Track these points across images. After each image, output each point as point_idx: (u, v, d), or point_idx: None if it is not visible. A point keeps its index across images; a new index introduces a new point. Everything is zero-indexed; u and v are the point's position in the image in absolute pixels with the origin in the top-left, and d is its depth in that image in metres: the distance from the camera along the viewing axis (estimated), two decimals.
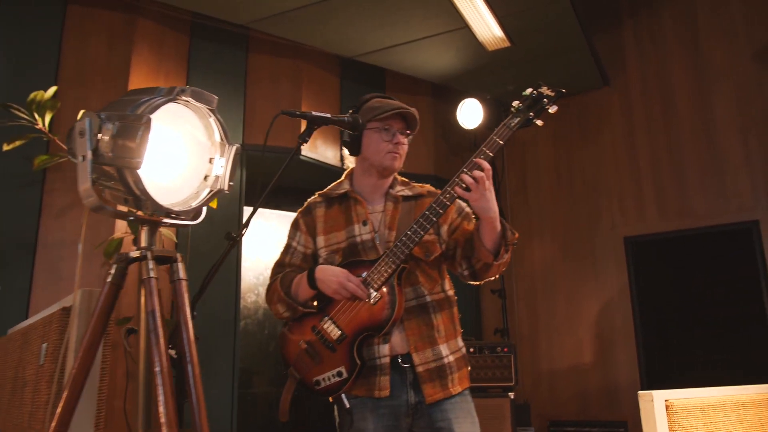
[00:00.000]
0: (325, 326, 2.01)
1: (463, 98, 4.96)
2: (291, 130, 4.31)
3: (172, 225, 1.27)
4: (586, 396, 4.72)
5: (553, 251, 5.10)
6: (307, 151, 4.30)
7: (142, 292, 1.23)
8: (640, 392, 2.11)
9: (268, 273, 4.89)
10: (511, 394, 3.25)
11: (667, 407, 2.12)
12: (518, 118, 1.96)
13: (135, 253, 1.24)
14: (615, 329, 4.72)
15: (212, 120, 1.30)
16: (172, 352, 1.78)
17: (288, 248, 2.21)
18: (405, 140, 2.14)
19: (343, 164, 4.53)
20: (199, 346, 1.85)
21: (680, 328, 4.54)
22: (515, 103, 1.99)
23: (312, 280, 2.01)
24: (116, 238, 3.13)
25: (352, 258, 2.05)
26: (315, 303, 2.08)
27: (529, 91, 1.99)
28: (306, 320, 2.07)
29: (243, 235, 1.77)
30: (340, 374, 1.98)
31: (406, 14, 4.02)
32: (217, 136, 1.32)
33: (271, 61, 4.41)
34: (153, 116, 1.15)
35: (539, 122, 1.98)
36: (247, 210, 4.35)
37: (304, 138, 1.88)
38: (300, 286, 2.05)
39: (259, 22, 4.06)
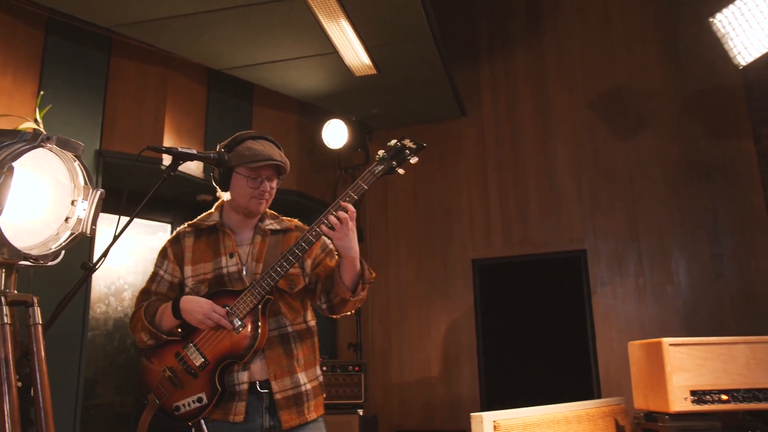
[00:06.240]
0: (189, 353, 2.06)
1: (329, 118, 5.10)
2: (152, 136, 4.23)
3: (28, 266, 1.28)
4: (432, 407, 5.02)
5: (407, 270, 5.38)
6: (169, 160, 4.22)
7: None
8: (472, 414, 2.34)
9: (120, 282, 4.78)
10: (360, 411, 3.42)
11: (494, 427, 2.38)
12: (382, 166, 2.07)
13: None
14: (460, 346, 5.07)
15: (77, 164, 1.32)
16: (19, 383, 1.75)
17: (155, 276, 2.22)
18: (273, 185, 2.20)
19: (206, 176, 4.50)
20: None
21: (517, 344, 4.99)
22: (380, 152, 2.11)
23: (177, 310, 2.05)
24: None
25: (218, 288, 2.10)
26: (180, 330, 2.12)
27: (393, 142, 2.11)
28: (169, 347, 2.11)
29: (100, 265, 1.76)
30: (200, 400, 2.04)
31: (278, 35, 4.08)
32: (81, 179, 1.35)
33: (135, 66, 4.28)
34: (15, 164, 1.16)
35: (401, 171, 2.11)
36: (102, 217, 4.18)
37: (169, 172, 1.90)
38: (164, 315, 2.09)
39: (124, 27, 3.94)
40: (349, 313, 2.25)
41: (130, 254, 4.68)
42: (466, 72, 5.54)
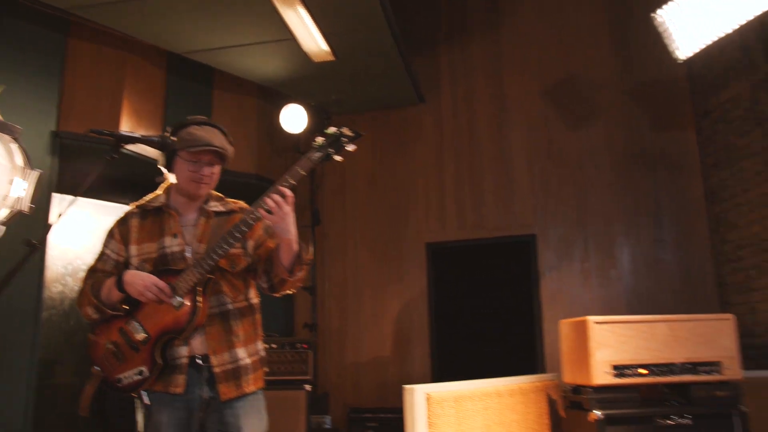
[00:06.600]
0: (131, 328, 2.17)
1: (289, 102, 5.16)
2: (110, 118, 4.27)
3: None
4: (385, 386, 5.18)
5: (364, 252, 5.51)
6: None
7: None
8: (405, 387, 2.49)
9: (77, 263, 4.82)
10: (308, 386, 3.55)
11: (427, 399, 2.53)
12: (320, 153, 2.13)
13: None
14: (413, 327, 5.25)
15: (15, 146, 1.41)
16: None
17: (102, 255, 2.32)
18: (213, 170, 2.29)
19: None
20: None
21: (468, 325, 5.17)
22: (319, 139, 2.15)
23: (120, 283, 2.15)
24: None
25: (162, 267, 2.20)
26: (126, 307, 2.21)
27: (331, 130, 2.16)
28: (114, 322, 2.21)
29: (42, 242, 1.85)
30: (141, 373, 2.15)
31: (236, 20, 4.14)
32: (18, 160, 1.43)
33: (93, 48, 4.30)
34: None
35: (338, 158, 2.14)
36: (56, 197, 4.23)
37: (112, 155, 1.99)
38: (110, 289, 2.19)
39: (81, 9, 3.95)
40: (290, 291, 2.33)
41: (89, 235, 4.73)
42: (425, 60, 5.66)
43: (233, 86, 5.16)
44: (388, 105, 5.67)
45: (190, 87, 4.94)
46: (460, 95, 5.57)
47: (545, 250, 5.08)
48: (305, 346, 3.69)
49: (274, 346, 3.64)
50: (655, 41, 4.18)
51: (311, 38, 4.38)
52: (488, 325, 5.12)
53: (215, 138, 2.25)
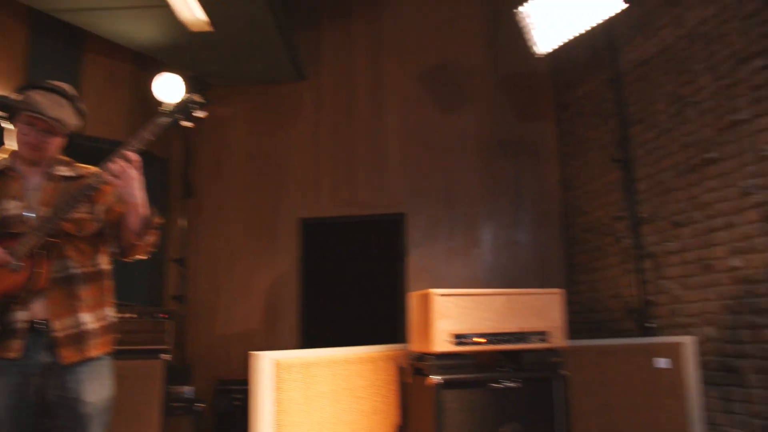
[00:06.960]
0: None
1: (167, 71, 5.03)
2: None
3: None
4: None
5: (238, 226, 5.53)
6: None
7: None
8: (252, 353, 2.58)
9: None
10: (165, 356, 3.56)
11: (276, 365, 2.64)
12: (168, 119, 2.18)
13: None
14: (283, 299, 5.35)
15: None
16: None
17: None
18: (46, 139, 2.24)
19: None
20: None
21: (337, 299, 5.34)
22: (168, 104, 2.21)
23: None
24: None
25: (1, 231, 2.15)
26: None
27: (182, 96, 2.24)
28: None
29: None
30: None
31: None
32: None
33: None
34: None
35: (188, 124, 2.22)
36: None
37: None
38: None
39: None
40: (142, 256, 2.36)
41: None
42: (307, 37, 5.71)
43: (107, 50, 4.97)
44: (267, 79, 5.67)
45: (58, 48, 4.71)
46: (341, 74, 5.67)
47: (414, 228, 5.32)
48: (164, 315, 3.68)
49: (135, 315, 3.60)
50: (521, 35, 4.45)
51: (185, 5, 4.31)
52: (356, 298, 5.31)
53: (54, 108, 2.21)
